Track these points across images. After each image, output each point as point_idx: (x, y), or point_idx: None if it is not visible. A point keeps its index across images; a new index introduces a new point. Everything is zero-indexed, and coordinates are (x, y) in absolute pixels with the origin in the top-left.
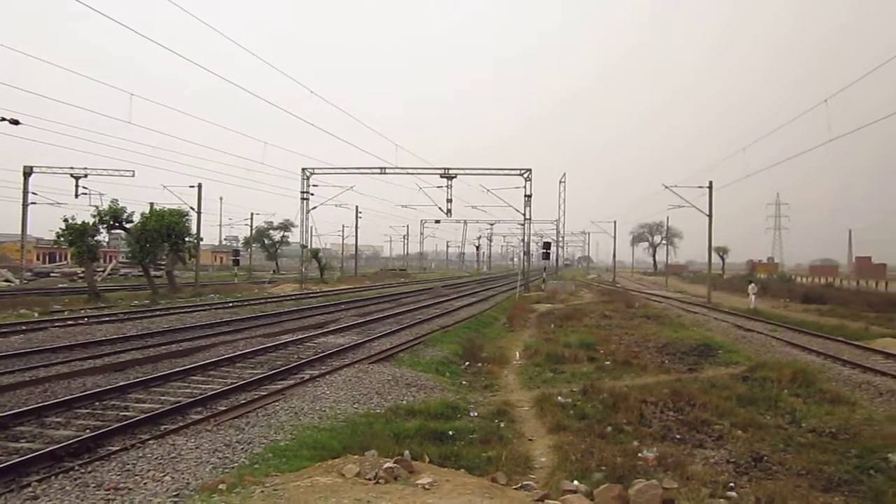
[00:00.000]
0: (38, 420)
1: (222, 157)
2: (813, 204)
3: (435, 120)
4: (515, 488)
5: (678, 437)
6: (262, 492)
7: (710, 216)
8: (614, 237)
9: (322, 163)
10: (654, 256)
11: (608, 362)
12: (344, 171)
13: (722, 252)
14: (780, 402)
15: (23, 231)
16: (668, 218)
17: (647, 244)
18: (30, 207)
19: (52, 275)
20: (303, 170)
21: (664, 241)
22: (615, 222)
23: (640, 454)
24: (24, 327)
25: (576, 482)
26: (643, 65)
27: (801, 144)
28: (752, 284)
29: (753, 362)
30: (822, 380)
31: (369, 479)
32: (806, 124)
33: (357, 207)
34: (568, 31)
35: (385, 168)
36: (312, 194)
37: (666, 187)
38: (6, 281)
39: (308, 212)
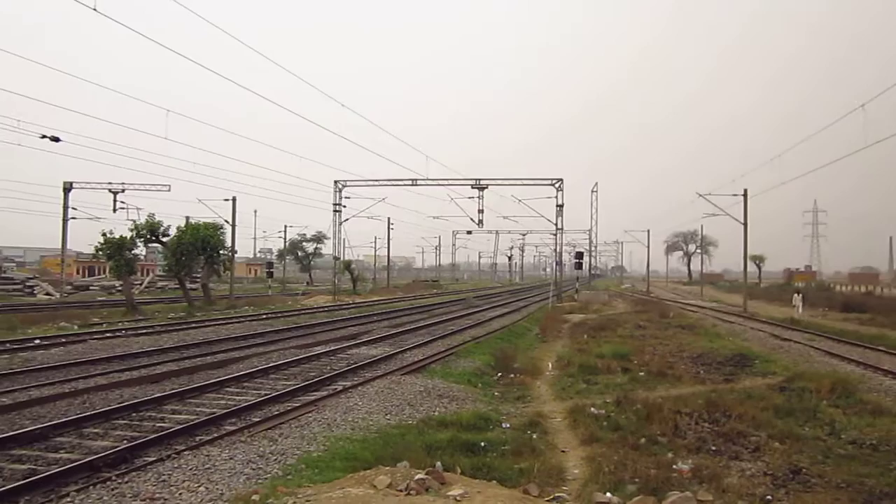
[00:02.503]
0: (76, 431)
1: (256, 171)
2: (853, 211)
3: (463, 129)
4: (547, 500)
5: (713, 448)
6: (295, 502)
7: (745, 224)
8: (648, 246)
9: (354, 175)
10: (688, 265)
11: (642, 373)
12: (376, 182)
13: (758, 260)
14: (818, 413)
15: (63, 245)
16: (702, 226)
17: (681, 253)
18: (70, 222)
19: (91, 288)
20: (335, 182)
21: (699, 250)
22: (648, 231)
23: (674, 466)
24: (63, 340)
25: (608, 494)
26: (665, 62)
27: (838, 150)
28: (798, 294)
29: (791, 372)
30: (863, 390)
31: (400, 491)
32: (842, 129)
33: (389, 219)
34: (583, 37)
35: (416, 180)
36: (345, 206)
37: (700, 195)
38: (47, 294)
39: (340, 224)
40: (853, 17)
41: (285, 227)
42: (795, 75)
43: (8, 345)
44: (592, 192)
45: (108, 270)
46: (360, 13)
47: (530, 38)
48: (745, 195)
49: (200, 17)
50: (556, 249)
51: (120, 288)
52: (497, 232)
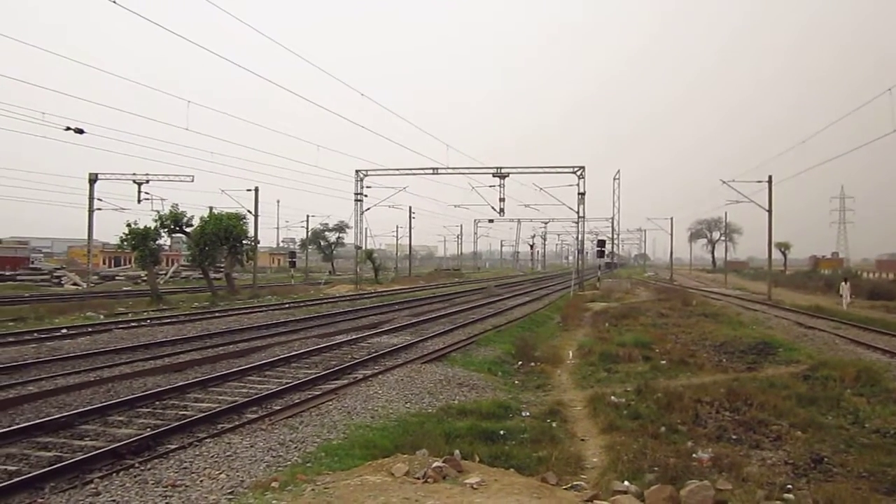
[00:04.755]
0: (101, 419)
1: (278, 161)
2: (881, 196)
3: (482, 116)
4: (565, 488)
5: (734, 437)
6: (314, 490)
7: (769, 211)
8: (671, 234)
9: (375, 164)
10: (712, 253)
11: (663, 361)
12: (397, 172)
13: (783, 248)
14: (842, 401)
15: (89, 236)
16: (726, 213)
17: (705, 241)
18: (95, 213)
19: (116, 278)
20: (356, 171)
21: (723, 238)
22: (671, 219)
23: (694, 455)
24: (90, 329)
25: (627, 483)
26: (680, 39)
27: (866, 135)
28: (846, 282)
29: (815, 361)
30: (888, 379)
31: (418, 478)
32: (870, 114)
33: (410, 208)
34: (591, 22)
35: (437, 168)
36: (366, 196)
37: (724, 182)
38: (74, 284)
39: (362, 213)
40: None
41: (307, 216)
42: (813, 49)
43: (35, 334)
44: (614, 179)
45: (133, 260)
46: (376, 4)
47: (541, 24)
48: (769, 181)
49: (217, 7)
50: (577, 237)
51: (145, 278)
52: (519, 220)
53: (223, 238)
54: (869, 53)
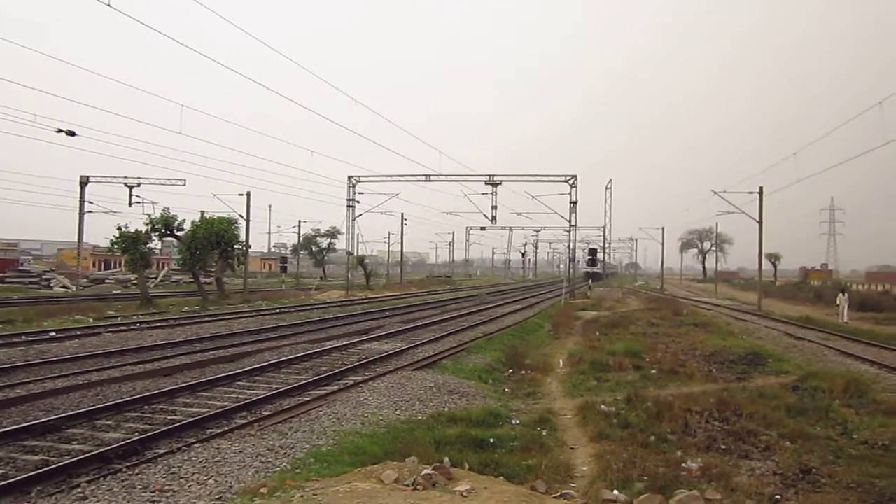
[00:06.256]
0: (89, 423)
1: (271, 167)
2: (871, 209)
3: (476, 126)
4: (554, 497)
5: (723, 447)
6: (302, 496)
7: (760, 222)
8: (662, 244)
9: (368, 171)
10: (703, 263)
11: (654, 371)
12: (389, 178)
13: (774, 259)
14: (831, 412)
15: (79, 239)
16: (717, 224)
17: (696, 251)
18: (86, 216)
19: (106, 281)
20: (349, 178)
21: (713, 248)
22: (663, 228)
23: (683, 464)
24: (79, 332)
25: (616, 492)
26: (675, 54)
27: (856, 147)
28: (844, 294)
29: (804, 372)
30: (877, 390)
31: (407, 486)
32: (859, 127)
33: (402, 214)
34: (589, 33)
35: (430, 175)
36: (358, 202)
37: (715, 193)
38: (63, 287)
39: (354, 219)
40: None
41: (299, 222)
42: (811, 63)
43: (24, 337)
44: (606, 188)
45: (123, 264)
46: (369, 12)
47: (539, 33)
48: (760, 192)
49: (211, 11)
50: (569, 246)
51: (135, 281)
52: (511, 228)
53: (214, 242)
54: (865, 69)
